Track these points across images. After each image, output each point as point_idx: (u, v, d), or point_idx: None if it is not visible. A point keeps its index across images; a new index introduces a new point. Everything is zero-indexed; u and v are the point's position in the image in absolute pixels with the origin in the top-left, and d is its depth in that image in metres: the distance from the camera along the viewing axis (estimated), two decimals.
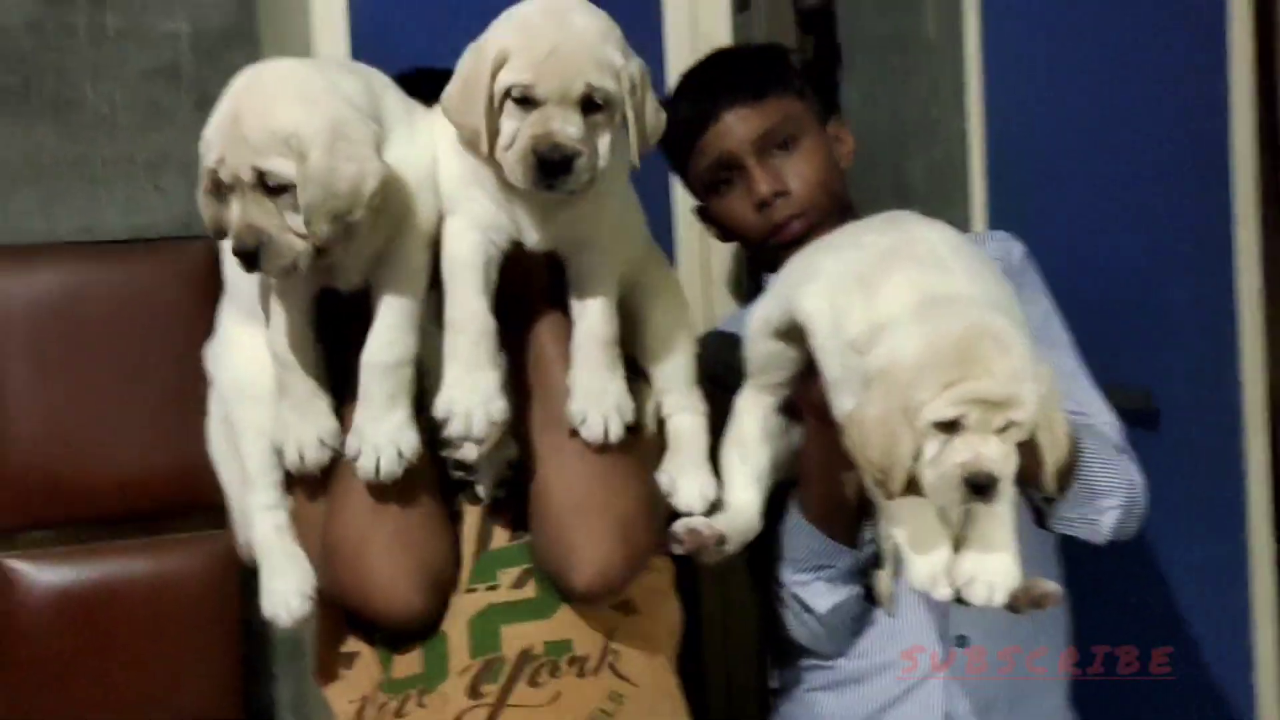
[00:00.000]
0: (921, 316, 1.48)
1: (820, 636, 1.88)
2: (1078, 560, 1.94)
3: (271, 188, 1.41)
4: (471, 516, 1.70)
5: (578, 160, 1.47)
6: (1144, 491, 1.86)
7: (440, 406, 1.54)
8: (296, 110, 1.42)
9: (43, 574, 2.43)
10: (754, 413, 1.77)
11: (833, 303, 1.59)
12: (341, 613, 1.69)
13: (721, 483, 1.75)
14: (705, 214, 2.06)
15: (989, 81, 2.53)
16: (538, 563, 1.65)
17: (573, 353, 1.60)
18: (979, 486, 1.42)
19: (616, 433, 1.59)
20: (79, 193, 2.60)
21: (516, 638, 1.62)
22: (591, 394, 1.58)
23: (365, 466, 1.53)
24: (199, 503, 2.17)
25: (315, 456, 1.58)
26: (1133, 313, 2.26)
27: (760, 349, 1.76)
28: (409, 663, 1.63)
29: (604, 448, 1.60)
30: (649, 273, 1.75)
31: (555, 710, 1.59)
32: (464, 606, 1.64)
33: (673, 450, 1.73)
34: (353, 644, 1.69)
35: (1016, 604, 1.61)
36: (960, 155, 2.62)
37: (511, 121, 1.48)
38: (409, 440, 1.55)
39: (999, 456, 1.42)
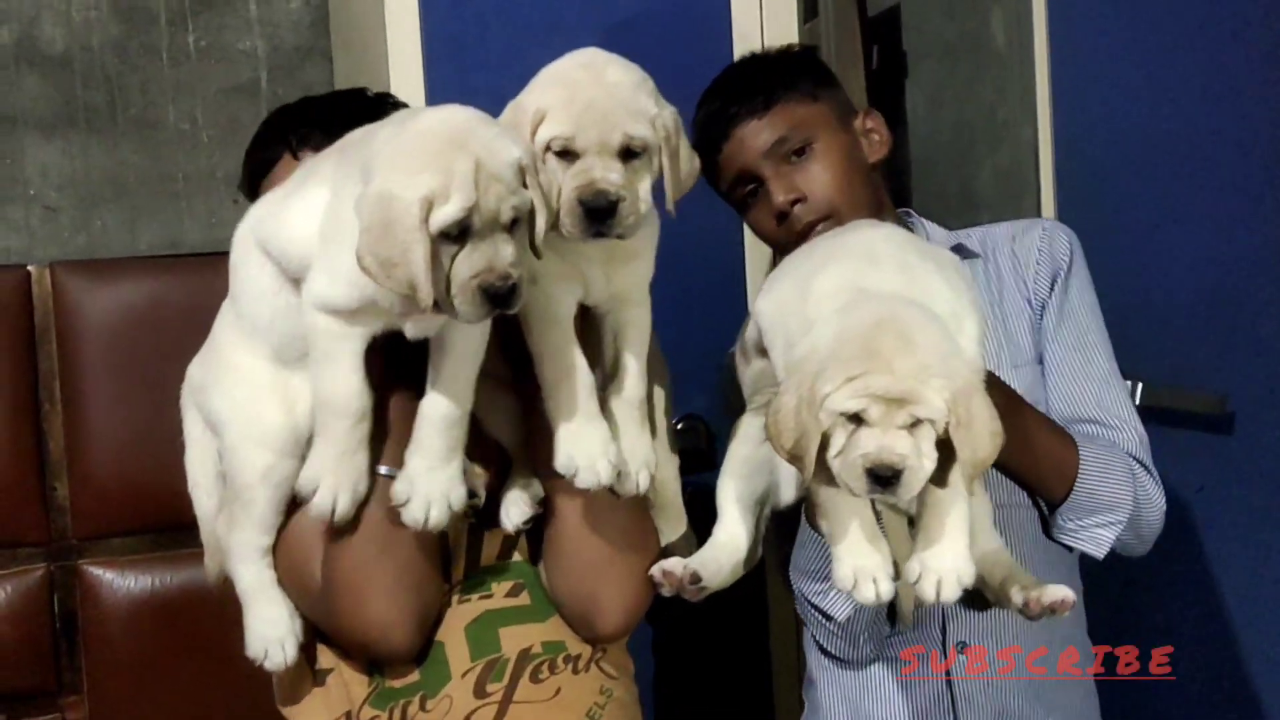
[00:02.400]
0: (840, 310, 1.49)
1: (844, 644, 1.87)
2: (1137, 566, 1.92)
3: (517, 221, 1.42)
4: (459, 535, 1.72)
5: (621, 205, 1.50)
6: (1158, 510, 1.84)
7: (562, 462, 1.56)
8: (510, 139, 1.44)
9: (125, 580, 2.50)
10: (748, 441, 1.77)
11: (777, 303, 1.62)
12: (308, 631, 1.70)
13: (719, 513, 1.76)
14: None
15: (1057, 84, 2.51)
16: (557, 603, 1.70)
17: (609, 410, 1.62)
18: (881, 478, 1.42)
19: (645, 485, 1.63)
20: (161, 208, 2.69)
21: (515, 638, 1.67)
22: (626, 453, 1.61)
23: (414, 515, 1.54)
24: None
25: (347, 507, 1.57)
26: (1207, 316, 2.23)
27: (747, 372, 1.77)
28: (404, 671, 1.66)
29: (633, 501, 1.65)
30: None
31: (558, 705, 1.65)
32: (459, 614, 1.68)
33: (658, 506, 1.77)
34: (326, 661, 1.71)
35: (1030, 611, 1.61)
36: (1029, 159, 2.61)
37: (554, 174, 1.52)
38: (459, 494, 1.56)
39: (903, 449, 1.41)
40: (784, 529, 1.86)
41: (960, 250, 1.94)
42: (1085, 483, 1.78)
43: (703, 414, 2.44)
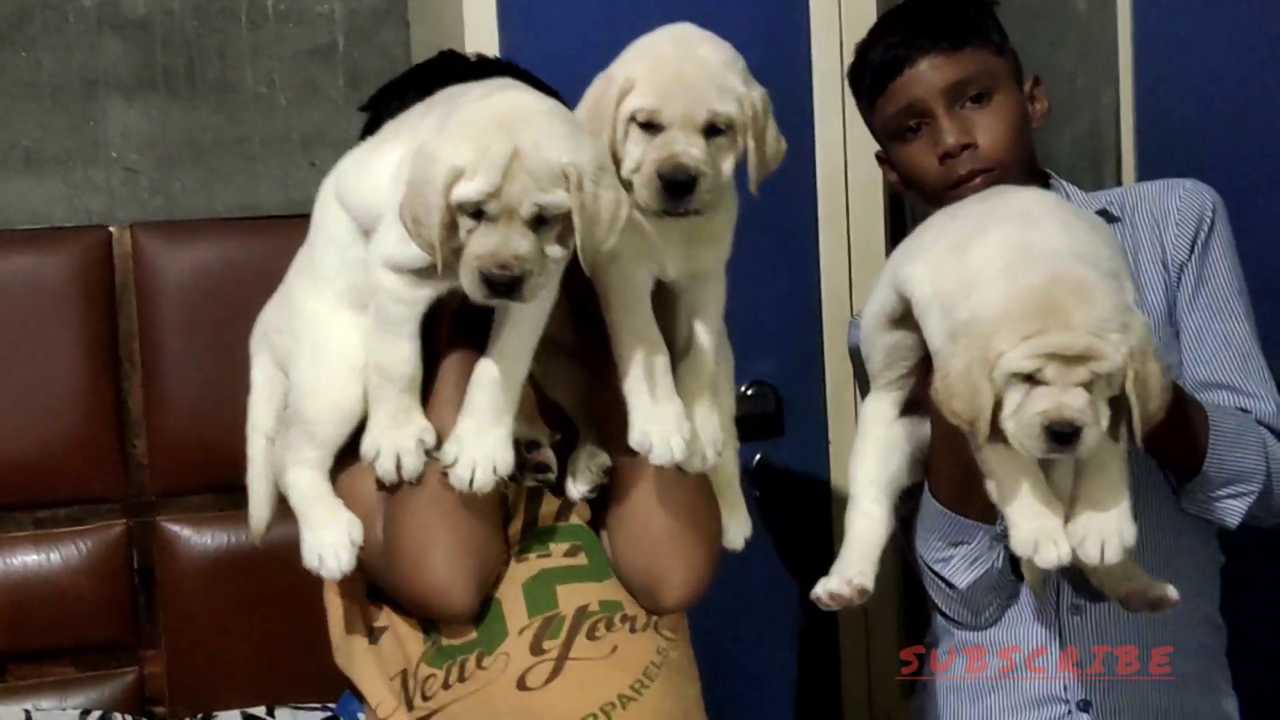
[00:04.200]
0: (1007, 269, 1.47)
1: (964, 611, 1.86)
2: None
3: (544, 220, 1.42)
4: (519, 494, 1.71)
5: (701, 180, 1.48)
6: None
7: (637, 439, 1.55)
8: (570, 143, 1.42)
9: (201, 537, 2.54)
10: (879, 420, 1.77)
11: (931, 269, 1.60)
12: (361, 588, 1.71)
13: (851, 497, 1.76)
14: (886, 163, 2.03)
15: (1140, 49, 2.46)
16: (620, 575, 1.70)
17: (679, 384, 1.60)
18: (1060, 435, 1.40)
19: (712, 461, 1.63)
20: (238, 170, 2.71)
21: (572, 596, 1.66)
22: (696, 428, 1.60)
23: (460, 476, 1.53)
24: None
25: (414, 462, 1.57)
26: None
27: (879, 343, 1.75)
28: (461, 629, 1.66)
29: (699, 476, 1.65)
30: None
31: (614, 662, 1.64)
32: (516, 573, 1.67)
33: (717, 487, 1.75)
34: (381, 618, 1.71)
35: (1130, 604, 1.61)
36: (1109, 125, 2.56)
37: (637, 146, 1.51)
38: (505, 458, 1.55)
39: (1081, 405, 1.40)
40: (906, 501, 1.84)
41: (1103, 215, 1.90)
42: (1216, 453, 1.74)
43: (771, 380, 2.43)
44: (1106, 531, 1.49)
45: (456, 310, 1.58)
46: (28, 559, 2.49)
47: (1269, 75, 2.22)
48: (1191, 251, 1.88)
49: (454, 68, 1.79)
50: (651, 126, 1.50)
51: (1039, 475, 1.52)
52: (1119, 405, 1.45)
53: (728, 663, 2.45)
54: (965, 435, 1.54)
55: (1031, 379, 1.42)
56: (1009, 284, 1.45)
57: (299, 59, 2.72)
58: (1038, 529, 1.50)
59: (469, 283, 1.42)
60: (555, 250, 1.43)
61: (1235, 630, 1.94)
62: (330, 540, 1.62)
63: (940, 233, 1.65)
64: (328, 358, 1.62)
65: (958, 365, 1.46)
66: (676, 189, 1.48)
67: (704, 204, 1.50)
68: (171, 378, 2.54)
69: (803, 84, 2.38)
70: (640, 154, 1.51)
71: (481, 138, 1.41)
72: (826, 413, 2.45)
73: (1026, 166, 1.91)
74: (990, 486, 1.55)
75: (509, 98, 1.47)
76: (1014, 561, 1.81)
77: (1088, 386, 1.42)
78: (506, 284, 1.40)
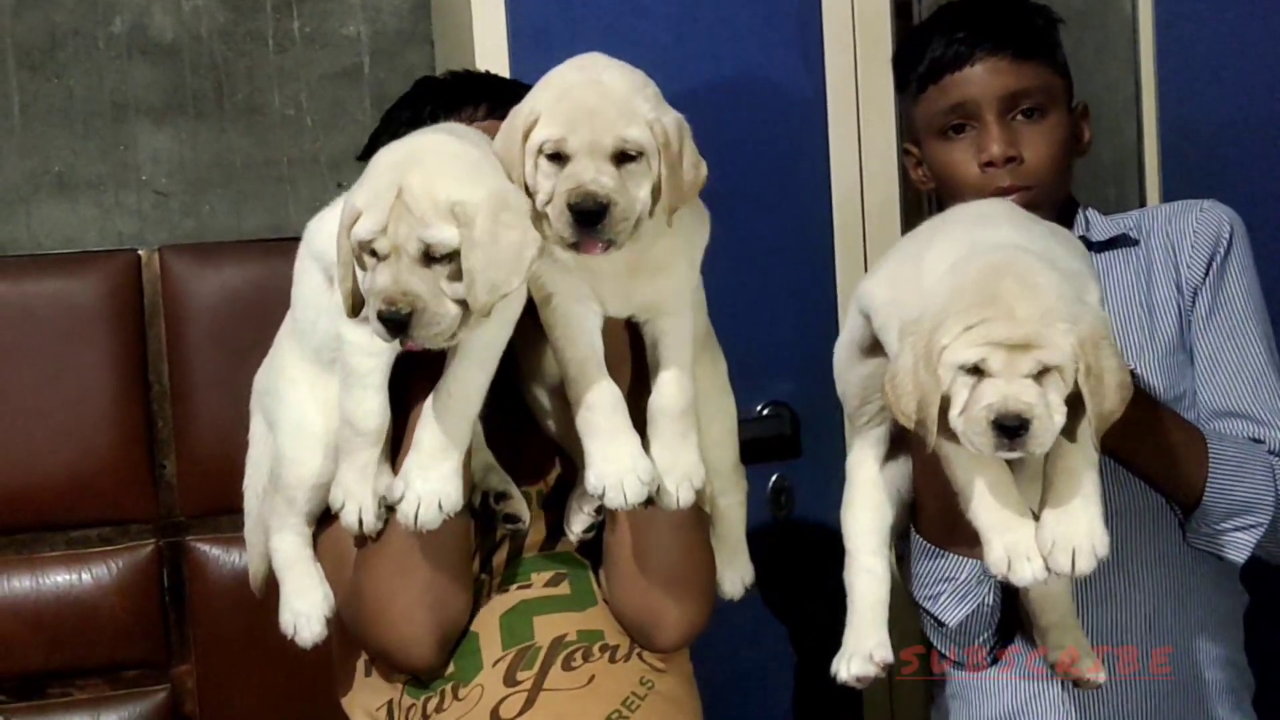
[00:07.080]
0: (954, 265, 1.43)
1: (957, 650, 1.82)
2: None
3: (433, 257, 1.41)
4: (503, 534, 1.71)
5: (613, 209, 1.44)
6: None
7: (593, 483, 1.53)
8: (462, 181, 1.42)
9: (230, 555, 2.56)
10: (865, 465, 1.71)
11: (888, 280, 1.57)
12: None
13: (847, 553, 1.71)
14: (913, 155, 1.98)
15: (1162, 66, 2.42)
16: (615, 614, 1.70)
17: (648, 422, 1.58)
18: (1008, 428, 1.35)
19: (687, 499, 1.59)
20: (266, 192, 2.74)
21: (549, 627, 1.66)
22: (665, 466, 1.57)
23: (405, 512, 1.52)
24: None
25: (372, 520, 1.58)
26: None
27: (852, 377, 1.71)
28: None
29: (694, 521, 1.65)
30: (701, 349, 1.70)
31: (591, 693, 1.63)
32: (495, 605, 1.67)
33: (717, 536, 1.76)
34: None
35: (1056, 670, 1.60)
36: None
37: (547, 179, 1.47)
38: (451, 494, 1.53)
39: (1029, 397, 1.34)
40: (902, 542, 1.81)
41: (1123, 240, 1.87)
42: (1219, 483, 1.69)
43: (788, 401, 2.42)
44: (1077, 539, 1.42)
45: (426, 360, 1.56)
46: (60, 579, 2.52)
47: None
48: (1207, 274, 1.83)
49: (427, 92, 1.82)
50: (559, 157, 1.47)
51: (1007, 481, 1.46)
52: (1078, 406, 1.39)
53: (745, 684, 2.44)
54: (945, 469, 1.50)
55: (979, 373, 1.37)
56: (954, 278, 1.41)
57: (325, 81, 2.74)
58: (1009, 544, 1.44)
59: (372, 322, 1.42)
60: (454, 288, 1.41)
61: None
62: (304, 610, 1.67)
63: (896, 250, 1.63)
64: (307, 427, 1.63)
65: (905, 364, 1.42)
66: (586, 218, 1.44)
67: (618, 233, 1.46)
68: (200, 398, 2.56)
69: (818, 103, 2.35)
70: (551, 186, 1.47)
71: (377, 179, 1.43)
72: (843, 433, 2.43)
73: (1063, 193, 1.88)
74: (962, 500, 1.49)
75: (415, 140, 1.47)
76: (1005, 600, 1.78)
77: (1038, 379, 1.36)
78: (398, 321, 1.39)
